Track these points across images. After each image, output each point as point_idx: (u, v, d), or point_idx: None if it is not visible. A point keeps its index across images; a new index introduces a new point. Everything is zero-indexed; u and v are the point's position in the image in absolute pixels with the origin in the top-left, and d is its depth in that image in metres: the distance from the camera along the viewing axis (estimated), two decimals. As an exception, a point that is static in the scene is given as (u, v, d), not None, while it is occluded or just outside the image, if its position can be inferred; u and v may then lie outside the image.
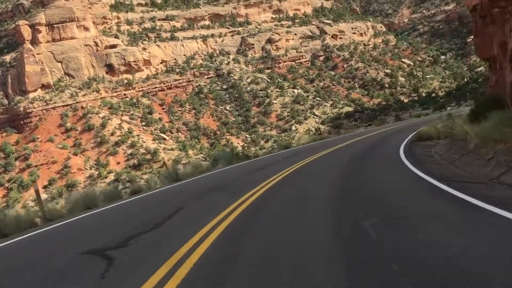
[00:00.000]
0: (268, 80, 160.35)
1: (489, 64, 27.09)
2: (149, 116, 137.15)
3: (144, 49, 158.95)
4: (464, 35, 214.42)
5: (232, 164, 34.64)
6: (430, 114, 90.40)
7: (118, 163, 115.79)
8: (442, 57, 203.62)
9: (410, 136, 30.97)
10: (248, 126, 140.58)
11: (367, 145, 32.49)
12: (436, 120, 36.47)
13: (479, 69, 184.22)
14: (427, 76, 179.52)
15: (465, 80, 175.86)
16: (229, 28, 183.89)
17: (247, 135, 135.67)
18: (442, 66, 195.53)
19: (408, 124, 64.17)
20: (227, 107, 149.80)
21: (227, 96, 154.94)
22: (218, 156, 36.75)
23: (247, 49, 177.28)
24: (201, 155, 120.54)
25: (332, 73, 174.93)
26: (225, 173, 27.59)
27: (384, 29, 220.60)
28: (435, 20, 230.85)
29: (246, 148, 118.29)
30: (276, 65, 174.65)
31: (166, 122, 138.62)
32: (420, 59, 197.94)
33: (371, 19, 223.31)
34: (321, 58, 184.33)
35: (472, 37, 27.05)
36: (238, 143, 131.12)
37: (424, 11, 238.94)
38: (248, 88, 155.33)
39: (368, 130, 75.63)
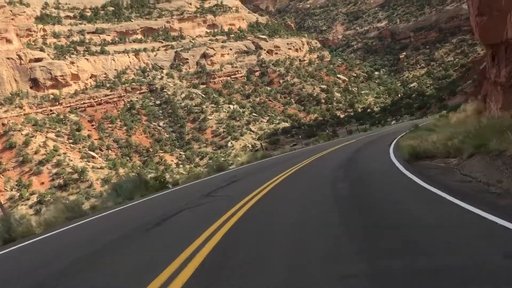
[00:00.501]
0: (203, 95, 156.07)
1: (491, 53, 21.94)
2: (77, 133, 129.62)
3: (72, 63, 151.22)
4: (396, 52, 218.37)
5: (133, 200, 22.73)
6: (374, 129, 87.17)
7: (42, 183, 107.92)
8: (376, 73, 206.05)
9: (392, 155, 21.14)
10: (182, 142, 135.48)
11: (336, 165, 21.78)
12: (394, 132, 33.82)
13: (412, 84, 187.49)
14: (362, 92, 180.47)
15: (399, 95, 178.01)
16: (162, 42, 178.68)
17: (182, 152, 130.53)
18: (377, 82, 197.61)
19: (362, 138, 51.14)
20: (161, 123, 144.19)
21: (161, 112, 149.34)
22: (119, 186, 26.82)
23: (181, 63, 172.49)
24: (133, 174, 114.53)
25: (268, 88, 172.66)
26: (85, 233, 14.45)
27: (319, 45, 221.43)
28: (368, 36, 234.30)
29: (166, 171, 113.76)
30: (211, 80, 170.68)
31: (95, 139, 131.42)
32: (355, 75, 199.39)
33: (306, 35, 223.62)
34: (257, 73, 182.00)
35: (475, 15, 19.09)
36: (172, 160, 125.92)
37: (358, 28, 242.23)
38: (183, 104, 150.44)
39: (316, 146, 56.04)
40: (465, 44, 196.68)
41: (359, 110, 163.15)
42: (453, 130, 17.40)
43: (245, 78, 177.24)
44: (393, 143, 27.85)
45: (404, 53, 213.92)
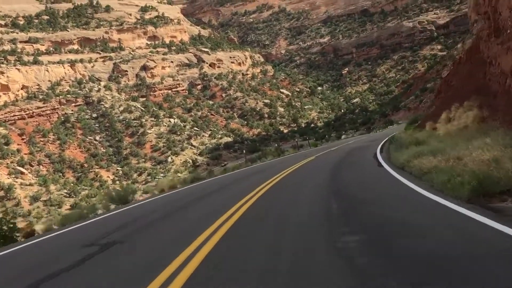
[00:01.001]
0: (143, 108, 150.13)
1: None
2: (5, 147, 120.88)
3: (2, 73, 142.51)
4: (339, 67, 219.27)
5: None
6: (324, 143, 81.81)
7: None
8: (319, 88, 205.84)
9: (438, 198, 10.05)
10: (120, 158, 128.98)
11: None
12: (360, 147, 27.74)
13: (355, 100, 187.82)
14: (306, 107, 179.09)
15: (343, 110, 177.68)
16: (100, 53, 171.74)
17: (119, 168, 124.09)
18: (320, 97, 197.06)
19: (323, 155, 35.08)
20: (97, 138, 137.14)
21: (97, 125, 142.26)
22: None
23: (120, 76, 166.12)
24: (65, 191, 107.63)
25: (211, 102, 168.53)
26: None
27: (262, 59, 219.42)
28: (311, 52, 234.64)
29: (102, 187, 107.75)
30: (152, 93, 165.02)
31: (25, 154, 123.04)
32: (298, 89, 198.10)
33: (249, 49, 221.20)
34: (199, 86, 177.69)
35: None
36: (108, 176, 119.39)
37: (301, 42, 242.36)
38: (121, 117, 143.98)
39: (264, 165, 37.51)
40: (405, 60, 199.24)
41: (303, 125, 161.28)
42: (481, 143, 11.94)
43: (186, 91, 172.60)
44: (386, 163, 18.66)
45: (347, 68, 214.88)
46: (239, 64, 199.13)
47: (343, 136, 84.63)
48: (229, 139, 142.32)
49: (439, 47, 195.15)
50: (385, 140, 32.84)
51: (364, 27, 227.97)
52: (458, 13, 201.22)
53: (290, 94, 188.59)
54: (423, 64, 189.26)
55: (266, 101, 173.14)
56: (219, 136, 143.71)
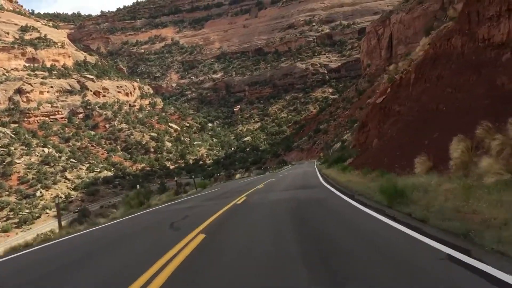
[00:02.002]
0: (12, 135, 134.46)
1: None
2: None
3: None
4: (231, 104, 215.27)
5: None
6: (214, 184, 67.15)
7: None
8: (210, 124, 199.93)
9: None
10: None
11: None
12: (276, 201, 16.16)
13: (246, 138, 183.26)
14: (195, 143, 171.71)
15: (233, 148, 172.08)
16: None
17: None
18: (210, 133, 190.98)
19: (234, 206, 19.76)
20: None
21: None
22: None
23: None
24: None
25: (92, 132, 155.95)
26: None
27: (151, 91, 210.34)
28: (203, 87, 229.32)
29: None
30: (26, 119, 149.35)
31: None
32: (188, 124, 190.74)
33: (138, 79, 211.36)
34: (81, 115, 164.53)
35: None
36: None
37: (193, 77, 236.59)
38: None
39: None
40: (298, 101, 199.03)
41: (191, 161, 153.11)
42: None
43: (66, 119, 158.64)
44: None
45: (239, 106, 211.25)
46: (127, 94, 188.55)
47: (237, 176, 74.80)
48: (110, 173, 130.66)
49: (330, 90, 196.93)
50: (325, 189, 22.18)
51: (258, 66, 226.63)
52: (349, 58, 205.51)
53: (179, 128, 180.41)
54: (315, 106, 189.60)
55: (153, 134, 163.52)
56: (99, 169, 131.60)
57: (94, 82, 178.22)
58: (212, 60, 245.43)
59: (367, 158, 21.91)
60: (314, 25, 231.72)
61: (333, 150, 75.13)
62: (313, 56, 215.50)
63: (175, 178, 58.38)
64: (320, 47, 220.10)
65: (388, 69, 40.53)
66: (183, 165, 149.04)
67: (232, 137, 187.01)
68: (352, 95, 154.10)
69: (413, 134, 15.71)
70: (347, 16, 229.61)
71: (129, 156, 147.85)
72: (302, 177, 34.31)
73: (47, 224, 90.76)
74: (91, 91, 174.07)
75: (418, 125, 15.83)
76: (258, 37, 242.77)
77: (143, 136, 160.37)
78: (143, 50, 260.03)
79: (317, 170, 47.43)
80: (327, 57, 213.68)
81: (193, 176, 52.76)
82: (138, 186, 36.76)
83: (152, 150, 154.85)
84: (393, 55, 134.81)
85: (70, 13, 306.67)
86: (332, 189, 18.02)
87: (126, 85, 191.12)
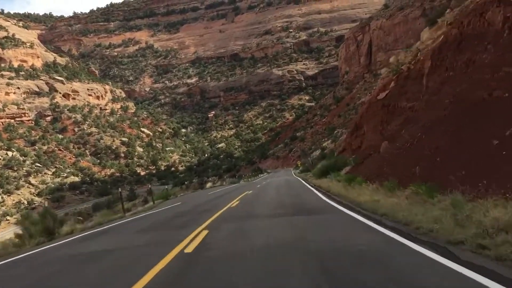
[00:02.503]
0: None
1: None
2: None
3: None
4: (205, 110, 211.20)
5: None
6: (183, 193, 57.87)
7: None
8: (183, 130, 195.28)
9: None
10: None
11: None
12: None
13: (220, 145, 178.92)
14: (167, 149, 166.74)
15: (206, 155, 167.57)
16: None
17: None
18: (183, 139, 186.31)
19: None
20: None
21: None
22: None
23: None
24: None
25: (60, 136, 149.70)
26: None
27: (123, 95, 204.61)
28: (177, 92, 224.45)
29: None
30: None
31: None
32: (161, 130, 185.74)
33: (110, 83, 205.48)
34: (48, 118, 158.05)
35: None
36: None
37: (167, 81, 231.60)
38: None
39: None
40: (273, 108, 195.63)
41: (163, 167, 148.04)
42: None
43: (33, 122, 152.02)
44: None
45: (213, 112, 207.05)
46: (98, 97, 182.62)
47: (208, 184, 68.08)
48: (77, 179, 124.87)
49: (307, 97, 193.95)
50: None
51: (233, 71, 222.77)
52: (326, 66, 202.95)
53: (151, 134, 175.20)
54: (291, 113, 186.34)
55: (124, 139, 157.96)
56: (65, 174, 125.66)
57: (64, 84, 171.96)
58: (187, 64, 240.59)
59: (375, 166, 17.63)
60: (291, 32, 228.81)
61: (312, 158, 71.21)
62: (290, 63, 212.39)
63: (149, 185, 53.34)
64: (297, 54, 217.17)
65: (388, 63, 36.45)
66: (154, 171, 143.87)
67: (206, 144, 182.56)
68: (330, 103, 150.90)
69: (455, 134, 11.57)
70: (324, 23, 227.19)
71: (98, 161, 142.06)
72: (287, 189, 27.60)
73: (7, 232, 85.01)
74: (60, 93, 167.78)
75: (461, 122, 11.73)
76: (234, 43, 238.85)
77: (114, 141, 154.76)
78: (116, 53, 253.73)
79: (301, 179, 41.80)
80: (304, 64, 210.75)
81: (150, 187, 47.51)
82: (120, 190, 31.56)
83: (122, 155, 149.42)
84: (373, 62, 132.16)
85: (41, 13, 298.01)
86: (359, 217, 10.65)
87: (97, 88, 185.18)
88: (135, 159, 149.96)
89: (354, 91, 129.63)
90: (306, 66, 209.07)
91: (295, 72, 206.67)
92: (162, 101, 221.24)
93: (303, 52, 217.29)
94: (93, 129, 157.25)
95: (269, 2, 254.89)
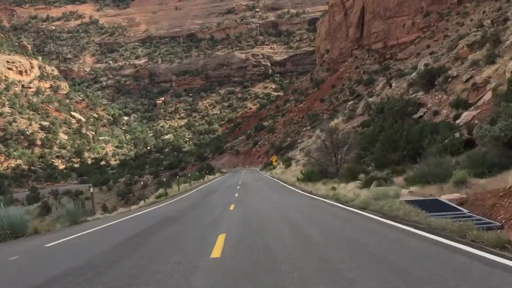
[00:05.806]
0: None
1: None
2: None
3: None
4: (154, 96, 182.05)
5: None
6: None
7: None
8: (125, 117, 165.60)
9: None
10: None
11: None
12: None
13: (167, 136, 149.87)
14: (100, 138, 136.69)
15: (148, 148, 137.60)
16: None
17: None
18: (124, 128, 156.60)
19: None
20: None
21: None
22: None
23: None
24: None
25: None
26: None
27: (56, 73, 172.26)
28: (122, 74, 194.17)
29: None
30: None
31: None
32: (97, 116, 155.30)
33: (41, 58, 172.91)
34: None
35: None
36: None
37: (111, 62, 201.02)
38: None
39: None
40: (234, 96, 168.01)
41: (89, 161, 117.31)
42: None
43: None
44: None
45: (163, 98, 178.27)
46: (20, 72, 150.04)
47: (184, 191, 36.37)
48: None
49: (273, 86, 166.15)
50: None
51: (189, 53, 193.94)
52: (297, 51, 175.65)
53: (83, 119, 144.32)
54: (254, 103, 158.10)
55: (45, 123, 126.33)
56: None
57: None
58: (136, 44, 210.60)
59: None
60: (257, 11, 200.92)
61: (310, 152, 41.13)
62: (255, 46, 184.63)
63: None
64: (263, 37, 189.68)
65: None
66: (77, 165, 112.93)
67: (151, 134, 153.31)
68: (306, 86, 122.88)
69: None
70: (296, 4, 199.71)
71: (5, 148, 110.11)
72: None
73: None
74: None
75: None
76: (192, 21, 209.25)
77: (30, 125, 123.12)
78: (54, 27, 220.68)
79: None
80: (271, 48, 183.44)
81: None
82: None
83: (39, 143, 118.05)
84: (365, 35, 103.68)
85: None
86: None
87: (20, 62, 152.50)
88: (56, 148, 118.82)
89: (342, 70, 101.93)
90: (273, 51, 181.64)
91: (261, 56, 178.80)
92: (104, 83, 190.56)
93: (270, 35, 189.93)
94: (6, 109, 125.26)
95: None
